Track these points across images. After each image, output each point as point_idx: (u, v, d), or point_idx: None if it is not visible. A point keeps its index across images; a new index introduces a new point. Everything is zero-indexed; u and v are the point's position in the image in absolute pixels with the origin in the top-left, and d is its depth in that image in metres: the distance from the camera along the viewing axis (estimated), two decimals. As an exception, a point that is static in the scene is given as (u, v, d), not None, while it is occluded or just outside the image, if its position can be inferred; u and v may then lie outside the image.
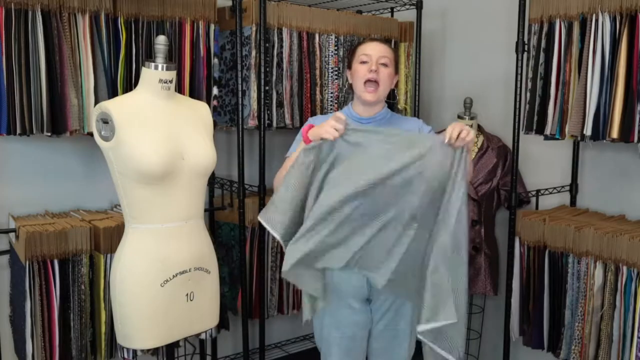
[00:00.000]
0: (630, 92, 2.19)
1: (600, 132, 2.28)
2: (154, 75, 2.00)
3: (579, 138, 2.35)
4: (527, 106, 2.54)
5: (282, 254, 2.92)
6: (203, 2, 2.57)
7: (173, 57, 2.49)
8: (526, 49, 2.55)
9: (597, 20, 2.27)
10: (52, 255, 2.24)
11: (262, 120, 2.69)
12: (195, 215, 2.10)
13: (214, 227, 2.99)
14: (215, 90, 2.64)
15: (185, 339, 2.47)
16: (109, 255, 2.32)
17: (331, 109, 2.92)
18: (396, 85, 2.25)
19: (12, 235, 2.39)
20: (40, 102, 2.18)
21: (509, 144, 2.85)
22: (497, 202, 2.95)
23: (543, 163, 2.99)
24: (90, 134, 2.11)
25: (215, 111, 2.64)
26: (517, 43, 2.55)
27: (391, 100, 3.04)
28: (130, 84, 2.40)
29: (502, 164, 2.93)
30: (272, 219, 1.99)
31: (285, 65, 2.78)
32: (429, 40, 3.40)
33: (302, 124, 2.79)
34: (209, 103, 2.60)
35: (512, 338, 2.75)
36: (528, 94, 2.53)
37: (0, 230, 2.44)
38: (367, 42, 2.15)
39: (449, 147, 1.88)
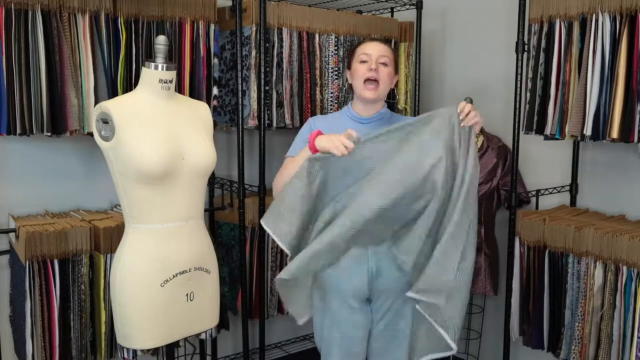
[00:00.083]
0: (630, 92, 2.19)
1: (600, 132, 2.28)
2: (154, 75, 2.00)
3: (579, 138, 2.35)
4: (527, 106, 2.54)
5: (282, 254, 2.94)
6: (203, 2, 2.57)
7: (173, 57, 2.49)
8: (526, 49, 2.54)
9: (597, 20, 2.27)
10: (52, 255, 2.24)
11: (262, 120, 2.69)
12: (195, 215, 2.10)
13: (214, 227, 2.99)
14: (215, 90, 2.65)
15: (185, 339, 2.46)
16: (109, 255, 2.32)
17: (331, 109, 2.92)
18: (396, 85, 2.25)
19: (12, 235, 2.39)
20: (40, 102, 2.19)
21: (509, 144, 2.85)
22: (497, 202, 2.95)
23: (543, 163, 2.99)
24: (90, 134, 2.11)
25: (215, 111, 2.64)
26: (517, 43, 2.55)
27: (391, 100, 3.04)
28: (130, 84, 2.40)
29: (502, 164, 2.93)
30: (280, 230, 1.97)
31: (285, 65, 2.78)
32: (429, 40, 3.40)
33: (302, 124, 2.79)
34: (209, 103, 2.60)
35: (512, 338, 2.75)
36: (528, 94, 2.53)
37: (0, 230, 2.44)
38: (366, 42, 2.15)
39: (456, 126, 1.89)
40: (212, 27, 2.61)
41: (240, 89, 2.64)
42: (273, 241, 2.89)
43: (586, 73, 2.29)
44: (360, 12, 3.33)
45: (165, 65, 2.00)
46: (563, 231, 2.49)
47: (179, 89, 2.51)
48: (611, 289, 2.34)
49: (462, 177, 1.87)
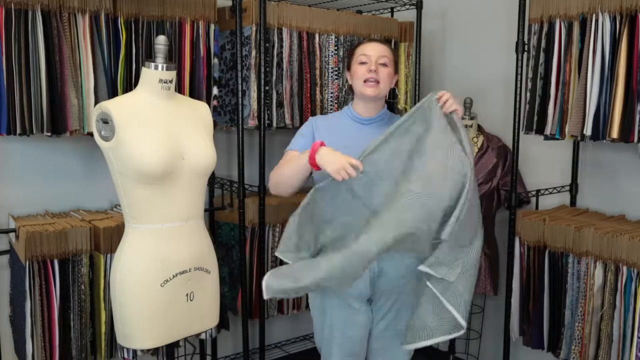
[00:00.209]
0: (630, 92, 2.19)
1: (600, 132, 2.28)
2: (154, 75, 2.00)
3: (579, 138, 2.35)
4: (527, 106, 2.54)
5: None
6: (203, 2, 2.57)
7: (173, 57, 2.49)
8: (526, 49, 2.54)
9: (597, 20, 2.27)
10: (52, 255, 2.24)
11: (262, 120, 2.69)
12: (195, 215, 2.10)
13: (214, 227, 2.99)
14: (215, 90, 2.65)
15: (185, 339, 2.47)
16: (109, 255, 2.32)
17: (331, 109, 2.92)
18: (396, 84, 2.25)
19: (12, 235, 2.39)
20: (40, 102, 2.18)
21: (509, 144, 2.85)
22: (497, 202, 2.95)
23: (543, 163, 2.99)
24: (90, 134, 2.11)
25: (215, 111, 2.64)
26: (517, 43, 2.55)
27: (391, 100, 3.04)
28: (130, 84, 2.40)
29: (502, 164, 2.92)
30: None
31: (285, 65, 2.78)
32: (429, 40, 3.40)
33: (302, 124, 2.79)
34: (209, 103, 2.60)
35: (512, 338, 2.75)
36: (528, 94, 2.53)
37: (0, 230, 2.44)
38: (365, 42, 2.15)
39: (441, 115, 1.92)
40: (212, 27, 2.61)
41: (240, 89, 2.64)
42: (273, 241, 2.90)
43: (586, 73, 2.29)
44: (360, 12, 3.33)
45: (165, 65, 2.00)
46: (563, 231, 2.49)
47: (179, 89, 2.51)
48: (611, 289, 2.34)
49: (464, 164, 1.89)
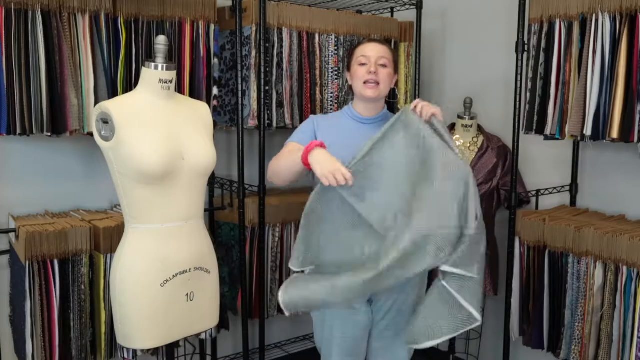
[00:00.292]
0: (630, 92, 2.19)
1: (600, 132, 2.28)
2: (154, 75, 2.00)
3: (579, 138, 2.35)
4: (527, 106, 2.54)
5: (283, 254, 2.94)
6: (203, 2, 2.57)
7: (173, 57, 2.49)
8: (526, 49, 2.54)
9: (597, 20, 2.27)
10: (52, 255, 2.24)
11: (262, 120, 2.69)
12: (195, 215, 2.10)
13: (214, 227, 2.99)
14: (215, 90, 2.64)
15: (185, 339, 2.47)
16: (109, 255, 2.32)
17: (331, 109, 2.92)
18: (396, 84, 2.25)
19: (12, 235, 2.39)
20: (40, 102, 2.18)
21: (509, 144, 2.85)
22: (497, 202, 2.95)
23: (543, 163, 2.99)
24: (90, 134, 2.11)
25: (215, 111, 2.64)
26: (517, 43, 2.55)
27: (391, 100, 3.04)
28: (130, 84, 2.40)
29: (502, 164, 2.92)
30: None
31: (285, 65, 2.78)
32: (429, 40, 3.40)
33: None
34: (209, 103, 2.60)
35: (512, 338, 2.75)
36: (528, 94, 2.53)
37: (0, 230, 2.44)
38: (365, 43, 2.15)
39: (423, 123, 1.95)
40: (212, 27, 2.61)
41: (240, 89, 2.64)
42: (273, 241, 2.90)
43: (586, 73, 2.29)
44: (360, 12, 3.33)
45: (165, 65, 2.00)
46: (563, 231, 2.49)
47: (179, 89, 2.51)
48: (611, 289, 2.34)
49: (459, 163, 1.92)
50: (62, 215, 2.53)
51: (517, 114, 2.58)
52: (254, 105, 2.68)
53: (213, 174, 2.87)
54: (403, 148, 1.95)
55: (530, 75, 2.52)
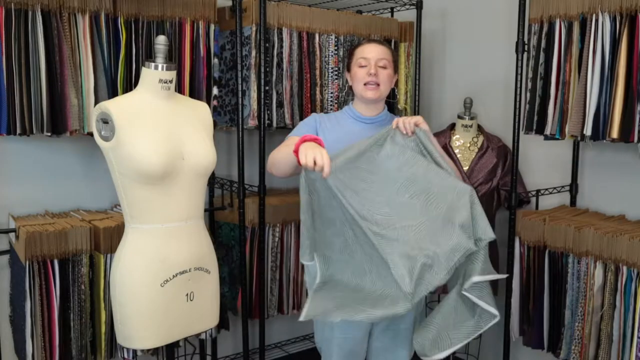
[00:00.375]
0: (630, 92, 2.19)
1: (600, 132, 2.27)
2: (154, 75, 2.00)
3: (579, 138, 2.35)
4: (527, 106, 2.54)
5: (282, 254, 2.94)
6: (203, 2, 2.57)
7: (173, 57, 2.49)
8: (526, 49, 2.54)
9: (597, 20, 2.27)
10: (52, 255, 2.24)
11: (262, 120, 2.69)
12: (195, 216, 2.10)
13: (214, 227, 2.99)
14: (215, 90, 2.65)
15: (185, 339, 2.47)
16: (109, 255, 2.32)
17: (331, 109, 2.93)
18: (396, 84, 2.25)
19: (12, 235, 2.39)
20: (40, 102, 2.19)
21: (509, 144, 2.85)
22: (497, 202, 2.95)
23: (543, 163, 2.99)
24: (90, 134, 2.11)
25: (215, 111, 2.64)
26: (517, 43, 2.55)
27: (391, 100, 3.04)
28: (130, 84, 2.40)
29: (502, 164, 2.92)
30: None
31: (285, 65, 2.78)
32: (429, 40, 3.40)
33: (302, 124, 2.79)
34: (209, 103, 2.60)
35: (512, 338, 2.75)
36: (528, 94, 2.53)
37: (0, 230, 2.44)
38: (364, 44, 2.15)
39: (407, 138, 1.99)
40: (212, 27, 2.61)
41: (240, 89, 2.64)
42: (273, 241, 2.90)
43: (586, 73, 2.29)
44: (360, 12, 3.33)
45: (165, 65, 2.00)
46: (563, 231, 2.49)
47: (179, 89, 2.51)
48: (611, 289, 2.34)
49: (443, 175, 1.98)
50: (62, 215, 2.53)
51: (517, 114, 2.58)
52: (254, 105, 2.68)
53: (213, 174, 2.88)
54: (392, 156, 1.98)
55: (530, 75, 2.52)
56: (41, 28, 2.17)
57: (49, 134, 2.23)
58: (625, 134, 2.20)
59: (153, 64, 2.00)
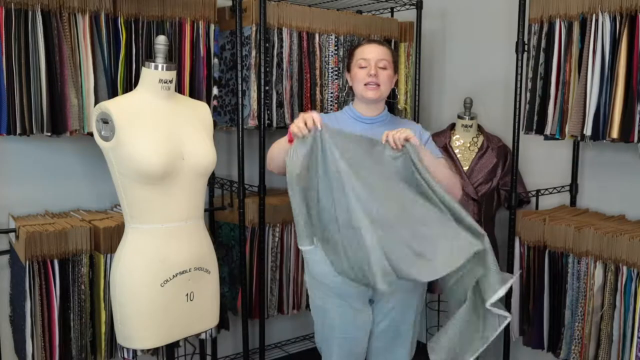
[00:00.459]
0: (630, 92, 2.19)
1: (600, 132, 2.28)
2: (154, 75, 2.00)
3: (579, 138, 2.35)
4: (527, 106, 2.54)
5: (282, 254, 2.94)
6: (203, 2, 2.57)
7: (173, 57, 2.49)
8: (526, 49, 2.54)
9: (597, 20, 2.27)
10: (52, 255, 2.24)
11: (262, 120, 2.69)
12: (195, 216, 2.10)
13: (214, 227, 2.99)
14: (215, 90, 2.64)
15: (185, 339, 2.47)
16: (109, 255, 2.32)
17: (331, 109, 2.93)
18: (396, 84, 2.25)
19: (12, 235, 2.39)
20: (40, 102, 2.18)
21: (509, 144, 2.85)
22: (497, 202, 2.95)
23: (543, 163, 2.99)
24: (90, 134, 2.11)
25: (215, 111, 2.64)
26: (517, 43, 2.55)
27: (391, 100, 3.04)
28: (130, 84, 2.40)
29: (502, 164, 2.92)
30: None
31: (285, 65, 2.78)
32: (429, 40, 3.40)
33: (302, 124, 2.79)
34: (209, 103, 2.60)
35: (512, 338, 2.75)
36: (528, 94, 2.53)
37: (0, 230, 2.44)
38: (364, 44, 2.15)
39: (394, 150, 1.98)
40: (212, 27, 2.61)
41: (240, 89, 2.64)
42: (273, 241, 2.90)
43: (586, 73, 2.29)
44: (360, 12, 3.33)
45: (165, 65, 2.00)
46: (563, 231, 2.49)
47: (179, 89, 2.51)
48: (611, 289, 2.34)
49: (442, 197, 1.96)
50: (62, 215, 2.53)
51: (517, 114, 2.58)
52: (254, 105, 2.68)
53: (213, 174, 2.87)
54: (387, 162, 1.98)
55: (530, 75, 2.52)
56: (41, 28, 2.17)
57: (49, 134, 2.23)
58: (625, 134, 2.20)
59: (153, 64, 2.00)
